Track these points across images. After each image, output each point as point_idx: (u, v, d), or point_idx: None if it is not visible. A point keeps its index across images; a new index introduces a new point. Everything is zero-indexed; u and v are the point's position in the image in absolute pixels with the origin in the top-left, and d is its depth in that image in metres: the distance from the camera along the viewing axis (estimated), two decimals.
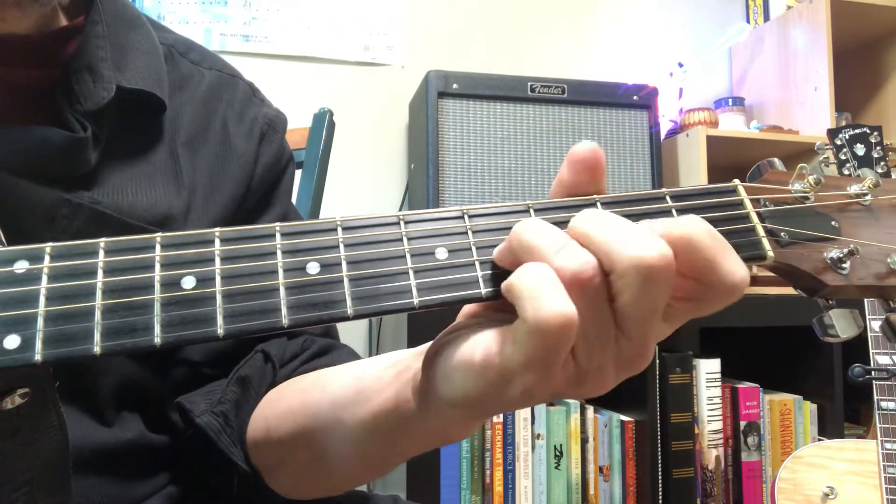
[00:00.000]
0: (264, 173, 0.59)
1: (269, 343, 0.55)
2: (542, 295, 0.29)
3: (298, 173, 1.08)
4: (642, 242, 0.30)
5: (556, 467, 1.34)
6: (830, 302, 0.38)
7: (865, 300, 1.08)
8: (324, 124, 1.12)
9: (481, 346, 0.32)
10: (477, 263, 0.33)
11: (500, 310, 0.35)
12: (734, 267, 0.32)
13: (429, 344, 0.38)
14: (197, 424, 0.49)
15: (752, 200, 0.37)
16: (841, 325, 0.38)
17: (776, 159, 0.40)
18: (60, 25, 0.52)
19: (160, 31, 0.59)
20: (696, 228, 0.31)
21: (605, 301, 0.31)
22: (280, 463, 0.49)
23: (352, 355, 0.59)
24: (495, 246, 0.34)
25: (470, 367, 0.32)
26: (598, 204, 0.36)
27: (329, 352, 0.58)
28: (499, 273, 0.33)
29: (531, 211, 0.35)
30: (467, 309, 0.38)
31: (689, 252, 0.31)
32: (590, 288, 0.30)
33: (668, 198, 0.37)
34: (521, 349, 0.30)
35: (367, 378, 0.42)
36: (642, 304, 0.30)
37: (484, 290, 0.33)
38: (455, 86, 1.47)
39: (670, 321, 0.34)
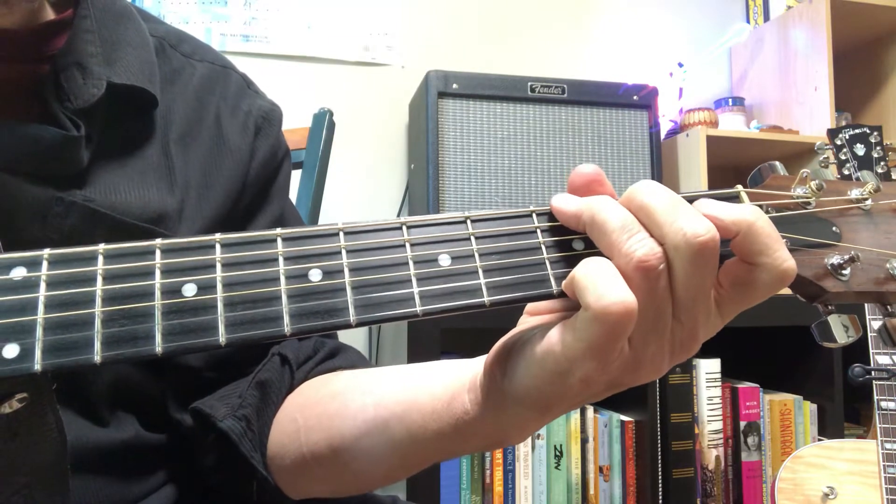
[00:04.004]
0: (260, 168, 0.58)
1: (283, 345, 0.55)
2: (604, 284, 0.31)
3: (298, 173, 1.08)
4: (694, 221, 0.33)
5: (556, 467, 1.34)
6: (830, 307, 0.38)
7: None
8: (324, 124, 1.12)
9: (540, 335, 0.34)
10: (480, 270, 0.33)
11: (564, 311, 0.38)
12: (786, 254, 0.34)
13: (483, 357, 0.40)
14: (220, 429, 0.49)
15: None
16: (839, 331, 0.38)
17: (777, 163, 0.40)
18: (48, 19, 0.51)
19: (150, 22, 0.58)
20: (759, 215, 0.34)
21: (663, 288, 0.33)
22: (304, 465, 0.49)
23: (361, 358, 0.59)
24: (498, 252, 0.34)
25: (530, 356, 0.34)
26: None
27: (340, 353, 0.58)
28: (499, 280, 0.33)
29: (534, 216, 0.35)
30: (531, 311, 0.40)
31: (751, 235, 0.34)
32: (652, 275, 0.32)
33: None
34: (582, 335, 0.32)
35: (415, 384, 0.43)
36: (692, 281, 0.33)
37: (487, 298, 0.32)
38: (455, 86, 1.47)
39: (722, 311, 0.36)
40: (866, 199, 0.40)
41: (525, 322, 0.39)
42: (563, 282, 0.34)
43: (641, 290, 0.32)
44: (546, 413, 0.37)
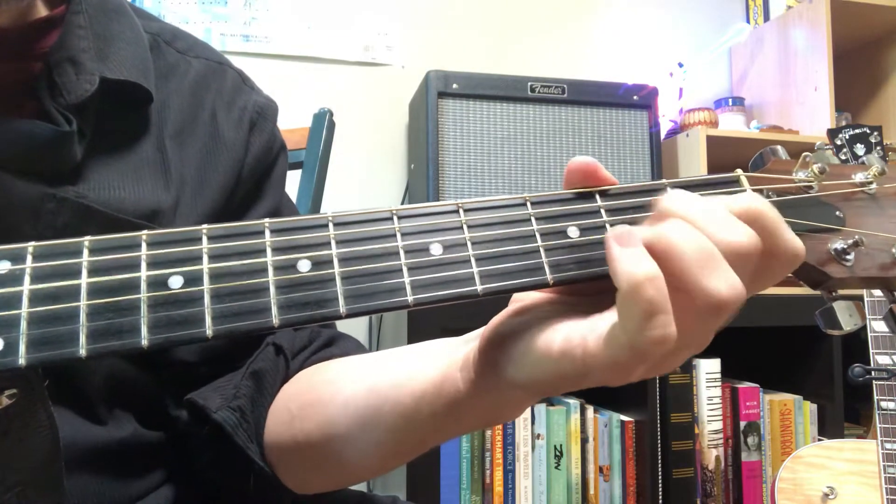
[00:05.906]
0: (255, 163, 0.57)
1: (278, 335, 0.54)
2: (656, 316, 0.29)
3: (298, 173, 1.07)
4: (736, 229, 0.31)
5: (556, 467, 1.34)
6: (833, 294, 0.37)
7: (866, 300, 1.08)
8: (324, 124, 1.11)
9: (561, 335, 0.32)
10: (472, 259, 0.33)
11: (566, 293, 0.36)
12: (793, 235, 0.33)
13: (480, 330, 0.38)
14: (214, 420, 0.48)
15: (755, 191, 0.37)
16: (844, 317, 0.37)
17: (779, 147, 0.40)
18: (40, 16, 0.50)
19: (144, 19, 0.58)
20: (764, 203, 0.33)
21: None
22: (299, 454, 0.49)
23: (358, 346, 0.59)
24: (491, 241, 0.33)
25: (541, 351, 0.33)
26: (597, 195, 0.35)
27: (336, 342, 0.57)
28: (491, 270, 0.33)
29: (528, 204, 0.34)
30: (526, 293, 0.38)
31: (759, 222, 0.32)
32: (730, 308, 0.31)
33: (669, 189, 0.36)
34: (610, 353, 0.30)
35: (407, 367, 0.43)
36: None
37: (480, 286, 0.32)
38: (455, 86, 1.47)
39: None
40: (871, 182, 0.39)
41: (517, 300, 0.38)
42: (609, 268, 0.30)
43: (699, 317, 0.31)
44: (543, 395, 0.36)
